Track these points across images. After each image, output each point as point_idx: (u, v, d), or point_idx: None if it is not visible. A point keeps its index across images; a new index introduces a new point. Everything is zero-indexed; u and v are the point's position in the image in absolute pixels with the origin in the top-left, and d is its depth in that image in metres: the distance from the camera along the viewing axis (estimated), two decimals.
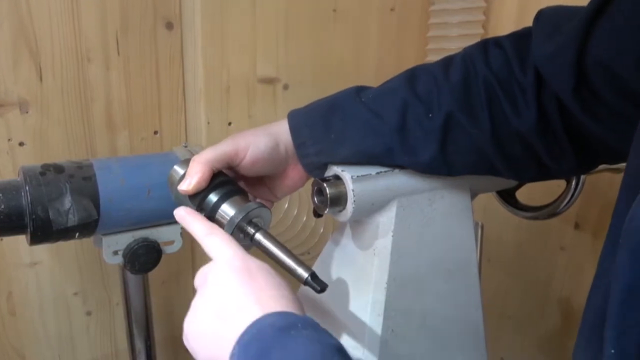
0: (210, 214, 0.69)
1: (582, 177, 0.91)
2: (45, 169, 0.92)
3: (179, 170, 0.72)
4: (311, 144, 0.74)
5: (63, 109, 1.17)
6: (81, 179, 0.94)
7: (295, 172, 0.78)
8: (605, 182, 1.26)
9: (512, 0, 1.46)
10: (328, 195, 0.72)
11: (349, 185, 0.71)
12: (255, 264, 0.61)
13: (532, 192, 1.00)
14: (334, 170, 0.74)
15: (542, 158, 0.70)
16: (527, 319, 1.57)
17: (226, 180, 0.71)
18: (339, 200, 0.73)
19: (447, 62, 0.73)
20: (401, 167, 0.74)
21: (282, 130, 0.75)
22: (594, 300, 0.55)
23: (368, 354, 0.75)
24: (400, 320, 0.77)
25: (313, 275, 0.65)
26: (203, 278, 0.63)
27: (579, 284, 1.38)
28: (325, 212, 0.74)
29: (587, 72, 0.60)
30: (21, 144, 1.15)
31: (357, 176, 0.72)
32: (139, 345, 1.20)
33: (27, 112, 1.14)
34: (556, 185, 0.95)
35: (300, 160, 0.76)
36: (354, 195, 0.71)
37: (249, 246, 0.70)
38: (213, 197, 0.69)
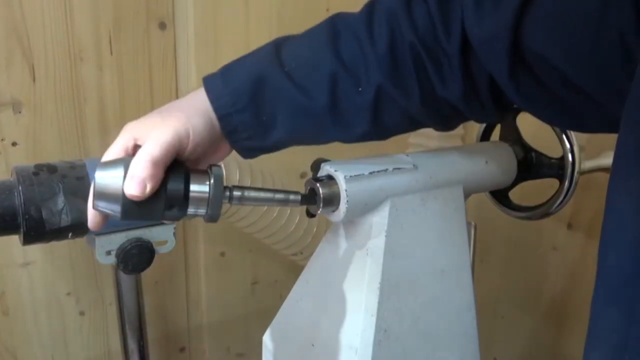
0: (184, 200, 0.64)
1: (575, 177, 0.91)
2: (39, 169, 0.92)
3: (114, 173, 0.63)
4: (242, 129, 0.70)
5: (56, 109, 1.17)
6: (74, 179, 0.93)
7: (227, 146, 0.74)
8: (598, 183, 1.26)
9: None
10: (321, 196, 0.72)
11: (342, 185, 0.72)
12: None
13: (525, 192, 1.00)
14: (327, 170, 0.74)
15: (468, 117, 0.73)
16: (520, 319, 1.58)
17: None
18: (332, 201, 0.73)
19: (369, 19, 0.69)
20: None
21: (209, 107, 0.70)
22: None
23: (361, 354, 0.75)
24: (393, 320, 0.77)
25: (304, 196, 0.68)
26: None
27: (572, 284, 1.39)
28: (319, 212, 0.74)
29: (523, 57, 0.60)
30: (14, 144, 1.15)
31: (350, 176, 0.72)
32: (132, 345, 1.20)
33: (20, 112, 1.13)
34: (549, 186, 0.95)
35: (232, 146, 0.73)
36: (347, 196, 0.71)
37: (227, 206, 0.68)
38: (176, 186, 0.64)
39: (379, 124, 0.71)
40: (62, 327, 1.33)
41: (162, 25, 1.23)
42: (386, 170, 0.75)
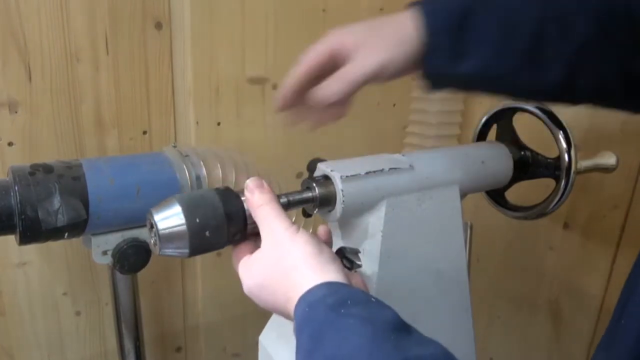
0: (244, 223, 0.67)
1: (572, 177, 0.91)
2: (35, 169, 0.92)
3: (173, 214, 0.62)
4: (442, 50, 0.68)
5: (52, 109, 1.17)
6: (70, 179, 0.93)
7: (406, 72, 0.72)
8: (594, 183, 1.27)
9: None
10: (317, 195, 0.72)
11: (338, 185, 0.72)
12: (306, 235, 0.62)
13: (521, 192, 1.00)
14: (323, 170, 0.74)
15: None
16: (516, 319, 1.58)
17: None
18: (328, 200, 0.73)
19: None
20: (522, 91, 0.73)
21: (413, 32, 0.68)
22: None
23: None
24: None
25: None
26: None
27: (568, 284, 1.39)
28: (315, 212, 0.74)
29: None
30: (10, 144, 1.14)
31: (347, 176, 0.72)
32: (128, 345, 1.20)
33: (16, 112, 1.13)
34: (545, 185, 0.95)
35: (426, 69, 0.70)
36: (343, 196, 0.71)
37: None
38: (236, 212, 0.66)
39: (571, 81, 0.68)
40: (58, 327, 1.33)
41: (159, 25, 1.23)
42: (382, 170, 0.75)
